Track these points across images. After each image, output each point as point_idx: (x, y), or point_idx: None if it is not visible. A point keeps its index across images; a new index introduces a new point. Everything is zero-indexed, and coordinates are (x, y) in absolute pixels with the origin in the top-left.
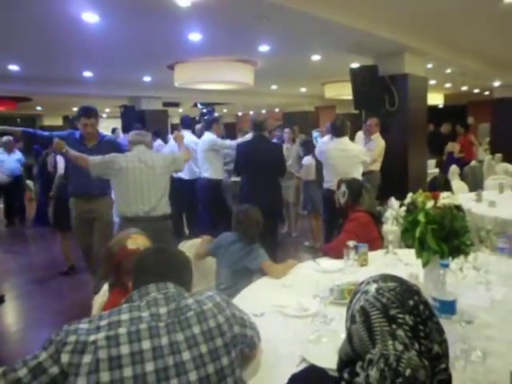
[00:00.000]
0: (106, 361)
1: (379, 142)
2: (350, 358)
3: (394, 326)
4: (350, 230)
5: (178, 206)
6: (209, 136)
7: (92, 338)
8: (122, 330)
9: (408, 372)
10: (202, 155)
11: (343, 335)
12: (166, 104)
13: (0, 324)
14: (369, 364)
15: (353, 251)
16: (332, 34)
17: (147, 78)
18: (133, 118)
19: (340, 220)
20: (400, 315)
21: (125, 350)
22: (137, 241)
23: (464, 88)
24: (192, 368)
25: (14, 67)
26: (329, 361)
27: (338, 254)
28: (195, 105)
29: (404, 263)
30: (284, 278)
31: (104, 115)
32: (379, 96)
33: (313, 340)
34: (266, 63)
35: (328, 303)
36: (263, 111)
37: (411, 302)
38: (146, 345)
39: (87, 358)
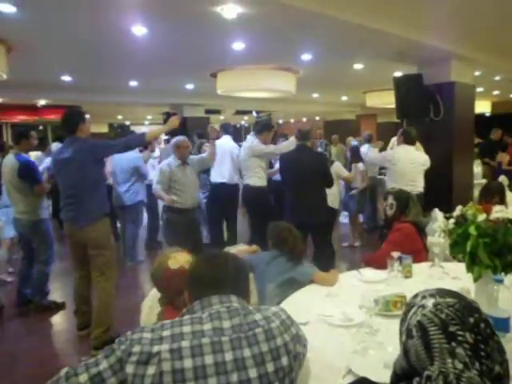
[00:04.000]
0: (169, 373)
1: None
2: (406, 373)
3: (453, 344)
4: (393, 241)
5: (218, 211)
6: (253, 140)
7: (156, 348)
8: (185, 344)
9: None
10: (244, 162)
11: (390, 348)
12: (207, 111)
13: (64, 329)
14: (427, 380)
15: (397, 262)
16: (375, 42)
17: (190, 86)
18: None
19: (384, 231)
20: (460, 332)
21: (188, 363)
22: (177, 259)
23: None
24: None
25: (66, 78)
26: (376, 373)
27: (380, 265)
28: (237, 112)
29: (451, 277)
30: (328, 288)
31: (146, 122)
32: (423, 105)
33: (359, 351)
34: (308, 72)
35: (373, 314)
36: (304, 119)
37: (471, 320)
38: (209, 359)
39: (151, 370)
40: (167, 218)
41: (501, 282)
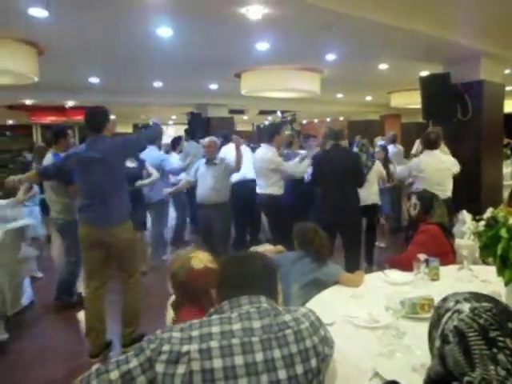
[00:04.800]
0: (199, 373)
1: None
2: (441, 378)
3: (494, 350)
4: (419, 243)
5: (239, 210)
6: (268, 152)
7: (185, 348)
8: (214, 344)
9: None
10: (261, 172)
11: (418, 351)
12: (231, 111)
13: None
14: None
15: (423, 265)
16: (401, 41)
17: (214, 86)
18: (199, 125)
19: (410, 232)
20: (500, 338)
21: (217, 363)
22: (199, 258)
23: None
24: None
25: (94, 79)
26: (403, 377)
27: (406, 267)
28: (261, 112)
29: (480, 280)
30: (353, 289)
31: (170, 122)
32: (451, 105)
33: (386, 354)
34: (332, 72)
35: (400, 316)
36: (328, 119)
37: (510, 325)
38: (239, 360)
39: (181, 369)
40: None
41: None
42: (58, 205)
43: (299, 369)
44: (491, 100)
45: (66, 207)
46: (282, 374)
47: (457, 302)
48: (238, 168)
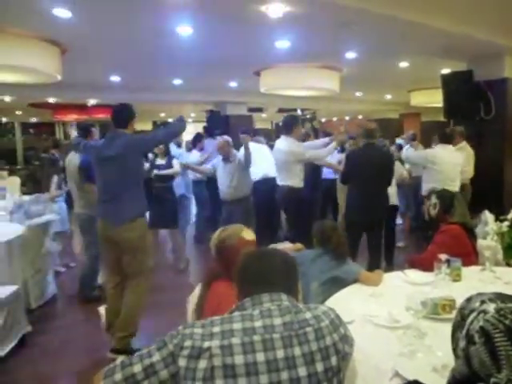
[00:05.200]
0: (220, 368)
1: (467, 152)
2: (466, 378)
3: None
4: (440, 243)
5: (261, 208)
6: (287, 144)
7: (206, 344)
8: (236, 340)
9: None
10: (281, 164)
11: (440, 352)
12: (250, 109)
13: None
14: None
15: (444, 265)
16: (422, 37)
17: (233, 84)
18: (218, 122)
19: (430, 232)
20: None
21: (239, 360)
22: (249, 232)
23: None
24: None
25: (115, 78)
26: (424, 377)
27: (426, 267)
28: (280, 110)
29: (504, 282)
30: (373, 287)
31: (190, 120)
32: (473, 103)
33: (406, 354)
34: (352, 70)
35: (421, 317)
36: (347, 118)
37: None
38: (260, 357)
39: (203, 364)
40: None
41: None
42: (81, 200)
43: (319, 366)
44: None
45: (89, 202)
46: (303, 372)
47: (482, 302)
48: (247, 165)
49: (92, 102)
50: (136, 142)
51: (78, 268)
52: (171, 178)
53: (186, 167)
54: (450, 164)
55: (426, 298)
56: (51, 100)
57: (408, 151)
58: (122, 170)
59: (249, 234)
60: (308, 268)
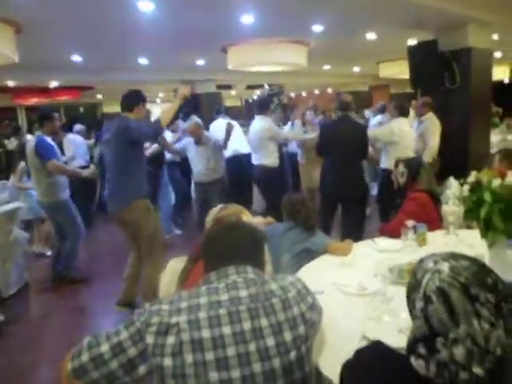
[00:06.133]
0: (189, 343)
1: (434, 123)
2: (426, 337)
3: (477, 306)
4: (408, 211)
5: (232, 184)
6: (265, 122)
7: (174, 320)
8: (202, 315)
9: (499, 351)
10: (258, 142)
11: (404, 314)
12: (219, 87)
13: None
14: (453, 342)
15: (411, 231)
16: (388, 8)
17: (201, 62)
18: (187, 101)
19: (397, 200)
20: (482, 294)
21: (206, 334)
22: (249, 216)
23: None
24: (276, 354)
25: (77, 58)
26: (391, 339)
27: (395, 234)
28: (249, 87)
29: (466, 244)
30: (342, 257)
31: (158, 100)
32: (439, 73)
33: (374, 318)
34: (320, 43)
35: (388, 283)
36: (316, 91)
37: (490, 280)
38: (227, 330)
39: (171, 339)
40: None
41: None
42: (40, 186)
43: (287, 336)
44: (479, 67)
45: (49, 188)
46: (271, 342)
47: (435, 262)
48: (225, 147)
49: (54, 83)
50: (124, 128)
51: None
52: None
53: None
54: (410, 136)
55: (394, 264)
56: (11, 83)
57: (375, 130)
58: (114, 154)
59: (249, 218)
60: (279, 241)
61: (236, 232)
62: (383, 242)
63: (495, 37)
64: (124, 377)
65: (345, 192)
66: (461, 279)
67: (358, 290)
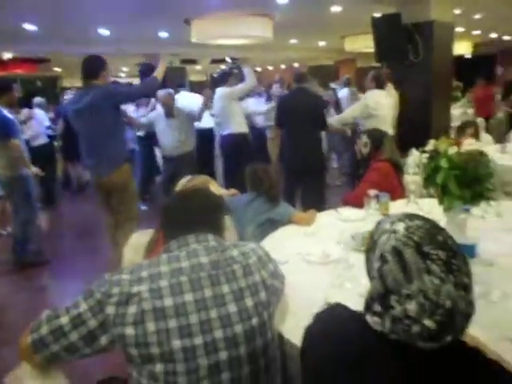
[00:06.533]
0: (151, 312)
1: (393, 95)
2: (381, 296)
3: (428, 262)
4: (370, 180)
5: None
6: (222, 90)
7: (135, 289)
8: (164, 283)
9: (448, 303)
10: (222, 110)
11: (364, 280)
12: (183, 61)
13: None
14: (406, 298)
15: (374, 200)
16: None
17: (164, 34)
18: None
19: (360, 170)
20: (433, 251)
21: (168, 302)
22: (216, 187)
23: (493, 35)
24: (238, 320)
25: (30, 27)
26: (351, 303)
27: (358, 204)
28: (216, 61)
29: (426, 212)
30: (306, 227)
31: (122, 74)
32: (402, 46)
33: (336, 285)
34: (285, 17)
35: (350, 250)
36: (282, 66)
37: (441, 238)
38: (189, 297)
39: (132, 309)
40: None
41: (468, 210)
42: (1, 159)
43: (249, 302)
44: (441, 41)
45: (10, 162)
46: (232, 308)
47: (392, 223)
48: (199, 118)
49: (8, 55)
50: (110, 93)
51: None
52: None
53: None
54: (388, 107)
55: (356, 232)
56: None
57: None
58: (100, 120)
59: (216, 188)
60: (243, 212)
61: (193, 200)
62: (346, 212)
63: (457, 11)
64: (84, 348)
65: (305, 163)
66: (414, 238)
67: (321, 258)
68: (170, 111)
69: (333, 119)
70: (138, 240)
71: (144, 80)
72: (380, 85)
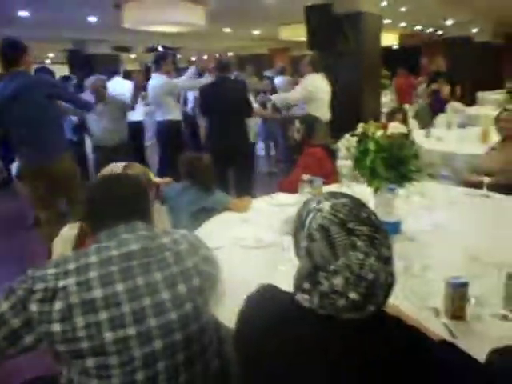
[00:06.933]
0: (78, 306)
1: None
2: (309, 273)
3: (353, 238)
4: (304, 165)
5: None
6: (160, 79)
7: (61, 283)
8: (93, 274)
9: (371, 276)
10: (156, 100)
11: (296, 261)
12: (116, 48)
13: None
14: (333, 274)
15: (308, 185)
16: None
17: (92, 19)
18: (80, 63)
19: (295, 156)
20: (357, 227)
21: (97, 293)
22: (152, 176)
23: (418, 27)
24: (171, 308)
25: None
26: (285, 284)
27: (293, 189)
28: (149, 50)
29: (357, 195)
30: (241, 213)
31: (48, 61)
32: (334, 36)
33: (270, 268)
34: (218, 4)
35: (283, 234)
36: (217, 55)
37: (364, 214)
38: (120, 287)
39: (59, 305)
40: None
41: (393, 190)
42: None
43: (182, 288)
44: (370, 32)
45: None
46: (165, 295)
47: (318, 202)
48: (132, 107)
49: None
50: (45, 84)
51: None
52: None
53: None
54: (326, 90)
55: (289, 216)
56: None
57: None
58: (34, 107)
59: (151, 177)
60: (177, 201)
61: (119, 188)
62: (280, 197)
63: (384, 3)
64: (9, 348)
65: (230, 150)
66: (340, 215)
67: (256, 242)
68: (101, 98)
69: (276, 97)
70: (68, 233)
71: (84, 100)
72: (316, 69)
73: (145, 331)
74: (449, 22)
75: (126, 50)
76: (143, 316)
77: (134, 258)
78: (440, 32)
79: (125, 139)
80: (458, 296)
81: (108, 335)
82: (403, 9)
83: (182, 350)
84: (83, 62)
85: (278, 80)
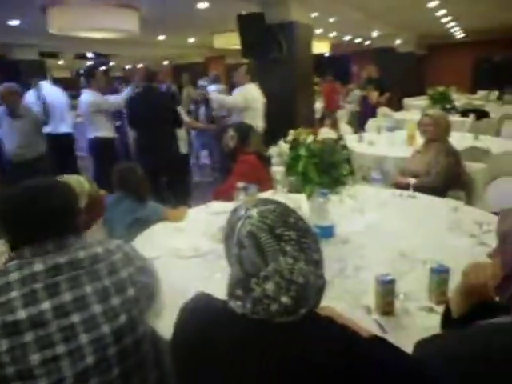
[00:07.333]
0: (0, 329)
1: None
2: (241, 280)
3: (282, 244)
4: (239, 173)
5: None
6: (89, 96)
7: None
8: (14, 294)
9: (301, 280)
10: (87, 117)
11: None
12: (43, 54)
13: None
14: (264, 280)
15: (242, 192)
16: None
17: (15, 22)
18: (4, 69)
19: (230, 164)
20: (286, 232)
21: (21, 314)
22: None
23: (347, 37)
24: (104, 321)
25: None
26: (221, 294)
27: (228, 197)
28: (80, 56)
29: (293, 201)
30: (177, 223)
31: None
32: (267, 44)
33: (206, 276)
34: (151, 11)
35: (218, 242)
36: (165, 62)
37: (292, 219)
38: (45, 305)
39: None
40: None
41: (325, 194)
42: None
43: (115, 300)
44: (302, 40)
45: None
46: (98, 309)
47: (246, 209)
48: (47, 121)
49: None
50: None
51: None
52: None
53: None
54: (261, 101)
55: (224, 224)
56: None
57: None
58: None
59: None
60: (111, 212)
61: (43, 198)
62: (216, 205)
63: (315, 14)
64: None
65: (158, 161)
66: (268, 221)
67: (192, 251)
68: (14, 110)
69: (215, 97)
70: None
71: None
72: (252, 79)
73: (75, 348)
74: (375, 34)
75: (54, 55)
76: (73, 333)
77: (61, 273)
78: (368, 42)
79: (42, 151)
80: (386, 292)
81: (34, 357)
82: (332, 20)
83: (116, 364)
84: (7, 68)
85: (212, 89)
